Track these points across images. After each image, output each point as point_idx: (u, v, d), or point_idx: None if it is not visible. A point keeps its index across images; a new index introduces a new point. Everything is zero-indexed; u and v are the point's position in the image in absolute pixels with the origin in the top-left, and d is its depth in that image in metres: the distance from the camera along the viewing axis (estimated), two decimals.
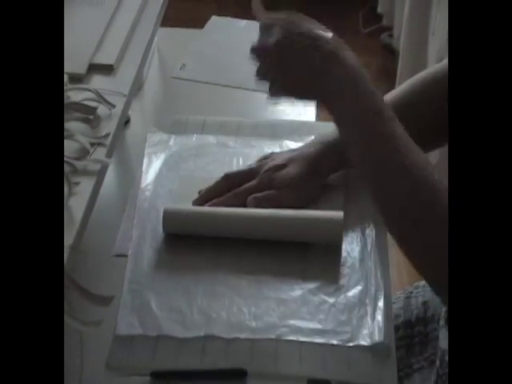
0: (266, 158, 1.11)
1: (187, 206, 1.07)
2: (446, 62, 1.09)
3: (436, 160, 2.14)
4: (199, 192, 1.09)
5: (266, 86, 0.99)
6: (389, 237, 1.05)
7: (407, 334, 1.10)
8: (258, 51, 0.97)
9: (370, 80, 0.92)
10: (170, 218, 1.03)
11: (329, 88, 0.92)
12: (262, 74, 0.98)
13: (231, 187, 1.08)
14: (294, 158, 1.09)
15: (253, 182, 1.07)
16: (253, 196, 1.05)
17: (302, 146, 1.12)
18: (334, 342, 0.91)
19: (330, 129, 1.10)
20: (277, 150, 1.18)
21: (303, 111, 1.30)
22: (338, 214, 1.03)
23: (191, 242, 1.03)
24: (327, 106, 0.94)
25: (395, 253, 2.06)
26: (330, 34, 0.94)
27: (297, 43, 0.93)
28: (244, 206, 1.05)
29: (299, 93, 0.98)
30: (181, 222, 1.04)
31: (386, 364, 0.89)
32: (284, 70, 0.95)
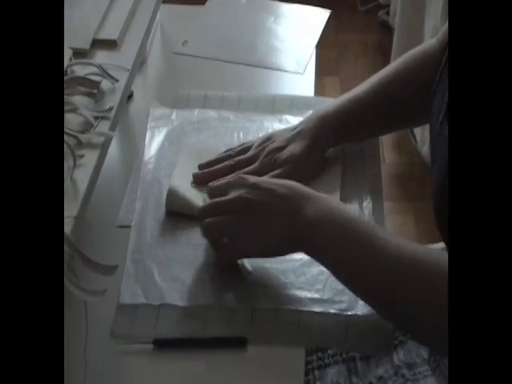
0: (265, 141, 1.11)
1: (189, 189, 1.07)
2: (436, 37, 1.10)
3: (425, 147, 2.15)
4: (199, 166, 1.11)
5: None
6: (385, 209, 1.06)
7: None
8: (210, 208, 0.95)
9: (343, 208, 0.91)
10: (172, 199, 1.05)
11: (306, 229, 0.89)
12: (212, 234, 0.96)
13: (232, 166, 1.09)
14: (292, 137, 1.09)
15: (255, 165, 1.08)
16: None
17: (300, 124, 1.11)
18: (332, 311, 0.92)
19: (327, 103, 1.12)
20: (276, 124, 1.20)
21: (303, 86, 1.31)
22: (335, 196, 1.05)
23: None
24: (307, 249, 0.91)
25: (391, 225, 2.07)
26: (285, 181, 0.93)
27: (259, 194, 0.92)
28: None
29: (272, 246, 0.92)
30: (182, 206, 1.04)
31: (382, 332, 0.91)
32: (249, 224, 0.92)
